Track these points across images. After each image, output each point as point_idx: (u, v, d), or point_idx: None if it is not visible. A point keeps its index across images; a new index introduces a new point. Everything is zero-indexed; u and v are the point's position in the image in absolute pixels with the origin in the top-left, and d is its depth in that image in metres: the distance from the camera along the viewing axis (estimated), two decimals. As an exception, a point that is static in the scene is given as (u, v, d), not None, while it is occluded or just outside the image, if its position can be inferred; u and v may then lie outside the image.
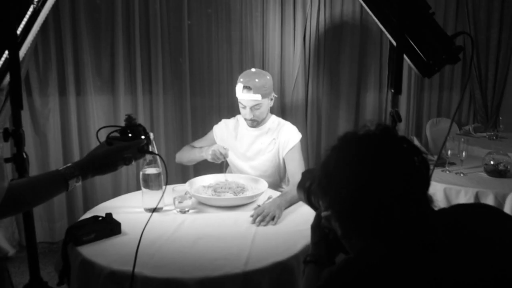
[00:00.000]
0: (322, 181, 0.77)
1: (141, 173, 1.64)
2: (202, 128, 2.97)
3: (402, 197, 0.69)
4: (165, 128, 3.05)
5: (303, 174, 1.10)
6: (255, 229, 1.51)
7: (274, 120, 2.10)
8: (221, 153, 1.89)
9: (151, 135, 1.65)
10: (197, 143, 2.17)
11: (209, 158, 1.93)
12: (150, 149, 1.15)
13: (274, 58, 3.19)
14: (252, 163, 2.09)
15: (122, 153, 1.06)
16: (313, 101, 3.37)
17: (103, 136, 1.09)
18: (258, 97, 1.94)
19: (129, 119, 1.15)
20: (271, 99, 2.05)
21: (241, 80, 1.98)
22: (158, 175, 1.63)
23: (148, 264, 1.23)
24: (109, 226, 1.42)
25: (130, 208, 1.69)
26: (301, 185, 1.05)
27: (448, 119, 3.72)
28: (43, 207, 2.79)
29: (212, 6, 3.05)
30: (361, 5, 3.28)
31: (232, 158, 2.11)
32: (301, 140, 2.04)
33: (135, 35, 2.85)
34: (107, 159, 1.06)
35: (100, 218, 1.43)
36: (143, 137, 1.12)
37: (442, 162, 2.41)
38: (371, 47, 3.43)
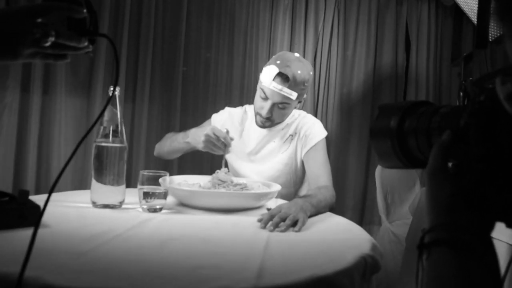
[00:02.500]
0: None
1: (94, 145, 1.08)
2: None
3: None
4: (147, 143, 2.52)
5: (381, 110, 0.60)
6: (267, 234, 0.94)
7: (293, 113, 1.58)
8: (219, 138, 1.31)
9: (117, 90, 1.14)
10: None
11: (200, 146, 1.36)
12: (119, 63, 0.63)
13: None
14: (258, 167, 1.54)
15: (31, 17, 0.55)
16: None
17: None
18: (292, 94, 1.41)
19: None
20: (300, 101, 1.54)
21: (278, 62, 1.44)
22: (120, 150, 1.08)
23: (68, 267, 0.66)
24: (18, 210, 0.83)
25: (74, 203, 1.11)
26: (383, 127, 0.55)
27: None
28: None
29: (214, 12, 2.69)
30: (376, 25, 3.03)
31: (231, 159, 1.55)
32: (327, 139, 1.51)
33: (122, 34, 2.44)
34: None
35: (7, 198, 0.85)
36: (84, 10, 0.61)
37: None
38: (386, 81, 3.06)
